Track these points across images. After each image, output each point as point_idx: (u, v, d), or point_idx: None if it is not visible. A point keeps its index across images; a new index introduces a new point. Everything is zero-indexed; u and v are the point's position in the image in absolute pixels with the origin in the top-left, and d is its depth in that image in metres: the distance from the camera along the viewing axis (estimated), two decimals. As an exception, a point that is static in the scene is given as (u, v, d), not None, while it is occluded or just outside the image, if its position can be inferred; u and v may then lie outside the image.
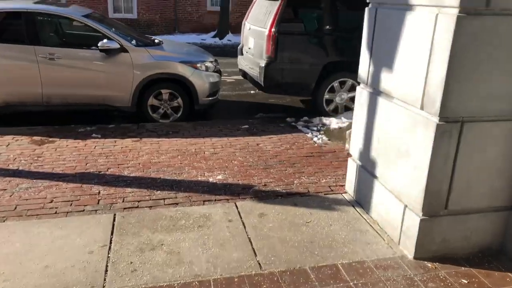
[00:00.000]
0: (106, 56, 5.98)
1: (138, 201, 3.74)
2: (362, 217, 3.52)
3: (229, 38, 17.29)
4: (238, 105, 7.83)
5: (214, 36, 17.38)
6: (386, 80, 3.21)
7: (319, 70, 6.50)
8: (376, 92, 3.39)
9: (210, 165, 4.58)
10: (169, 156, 4.83)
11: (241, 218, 3.46)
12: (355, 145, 3.77)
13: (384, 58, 3.22)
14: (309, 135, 5.71)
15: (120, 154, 4.86)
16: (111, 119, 6.45)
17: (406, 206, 3.03)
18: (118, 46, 5.97)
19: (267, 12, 6.67)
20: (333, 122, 6.29)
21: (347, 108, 6.84)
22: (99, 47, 5.87)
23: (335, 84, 6.67)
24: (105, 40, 5.89)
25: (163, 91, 6.25)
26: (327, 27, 6.52)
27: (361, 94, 3.61)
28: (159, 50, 6.39)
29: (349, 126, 6.04)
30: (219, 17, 17.74)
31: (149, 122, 6.17)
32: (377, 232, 3.31)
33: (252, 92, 8.64)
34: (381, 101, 3.30)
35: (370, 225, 3.40)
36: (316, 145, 5.32)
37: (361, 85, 3.65)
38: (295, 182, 4.17)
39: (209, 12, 19.28)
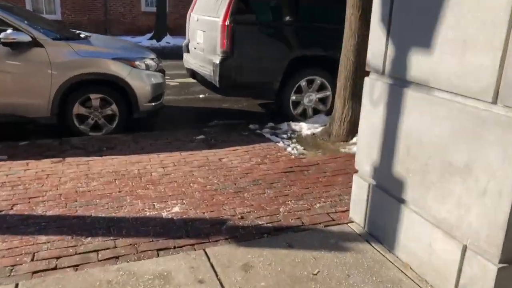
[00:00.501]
0: (13, 52, 4.55)
1: (57, 258, 2.47)
2: (386, 258, 2.52)
3: (168, 40, 15.94)
4: (187, 111, 6.64)
5: (150, 38, 15.94)
6: (420, 64, 2.24)
7: (284, 66, 5.51)
8: (400, 83, 2.42)
9: (161, 192, 3.38)
10: (103, 181, 3.57)
11: (217, 275, 2.32)
12: (365, 157, 2.77)
13: (415, 32, 2.26)
14: (281, 144, 4.68)
15: (33, 182, 3.52)
16: (24, 134, 5.00)
17: (466, 247, 2.06)
18: (29, 38, 4.57)
19: (219, -2, 5.57)
20: (304, 128, 5.32)
21: (316, 110, 5.91)
22: (2, 40, 4.44)
23: (303, 83, 5.71)
24: (9, 31, 4.47)
25: (92, 96, 4.92)
26: (293, 16, 5.55)
27: (374, 88, 2.62)
28: (85, 45, 5.06)
29: (322, 132, 5.11)
30: (155, 18, 16.33)
31: (76, 136, 4.82)
32: (414, 282, 2.32)
33: (201, 96, 7.48)
34: (411, 95, 2.32)
35: (402, 272, 2.41)
36: (292, 157, 4.29)
37: (372, 75, 2.67)
38: (281, 210, 3.10)
39: (144, 13, 17.78)
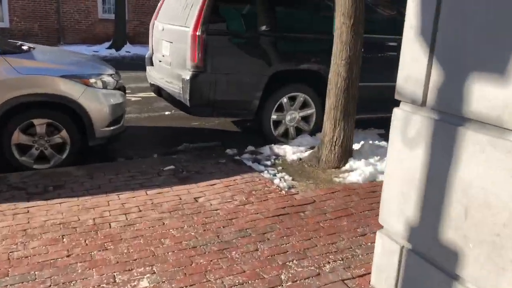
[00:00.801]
0: None
1: None
2: None
3: (127, 49, 14.94)
4: (152, 132, 5.84)
5: (109, 47, 14.88)
6: (487, 95, 1.62)
7: (264, 82, 4.85)
8: (452, 119, 1.79)
9: (123, 254, 2.61)
10: (46, 240, 2.75)
11: None
12: (395, 211, 2.13)
13: (478, 48, 1.64)
14: (266, 174, 3.99)
15: (-51, 245, 2.65)
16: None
17: None
18: (-48, 53, 3.69)
19: (188, 4, 4.85)
20: (289, 152, 4.67)
21: (298, 130, 5.27)
22: None
23: (284, 100, 5.06)
24: None
25: (36, 121, 4.06)
26: (274, 25, 4.90)
27: (409, 123, 1.99)
28: (26, 60, 4.18)
29: (310, 157, 4.48)
30: (114, 26, 15.31)
31: (16, 172, 3.94)
32: None
33: (167, 113, 6.69)
34: (472, 137, 1.70)
35: None
36: (283, 192, 3.60)
37: (406, 105, 2.03)
38: (282, 278, 2.39)
39: (101, 20, 16.66)
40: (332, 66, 4.24)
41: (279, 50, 4.91)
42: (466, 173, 1.74)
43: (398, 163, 2.08)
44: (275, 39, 4.89)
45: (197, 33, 4.48)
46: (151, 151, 4.84)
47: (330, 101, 4.29)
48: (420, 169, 1.94)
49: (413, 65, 1.93)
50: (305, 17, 5.12)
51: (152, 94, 6.61)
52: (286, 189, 3.67)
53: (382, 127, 5.94)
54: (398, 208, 2.10)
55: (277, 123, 5.14)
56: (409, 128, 1.98)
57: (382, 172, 4.12)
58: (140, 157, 4.56)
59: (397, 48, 5.62)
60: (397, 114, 2.06)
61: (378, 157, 4.39)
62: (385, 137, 5.51)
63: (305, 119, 5.27)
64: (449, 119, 1.80)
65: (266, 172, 4.07)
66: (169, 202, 3.34)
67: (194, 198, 3.44)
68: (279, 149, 4.74)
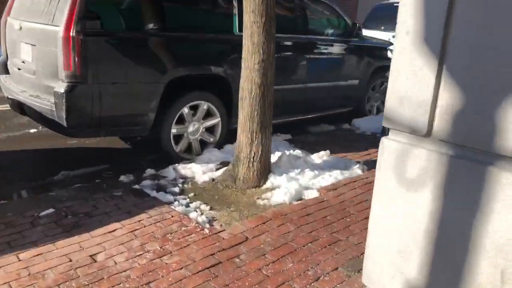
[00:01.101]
0: None
1: None
2: None
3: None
4: (15, 159, 4.58)
5: None
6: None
7: (161, 91, 4.06)
8: (474, 155, 1.34)
9: None
10: None
11: None
12: (388, 270, 1.64)
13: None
14: (178, 207, 3.25)
15: None
16: None
17: None
18: None
19: (54, -3, 3.80)
20: (198, 172, 3.99)
21: (203, 143, 4.61)
22: None
23: (185, 110, 4.33)
24: None
25: None
26: (170, 21, 4.13)
27: (407, 158, 1.50)
28: None
29: (225, 176, 3.88)
30: None
31: None
32: None
33: (32, 131, 5.42)
34: (509, 181, 1.27)
35: None
36: (205, 230, 2.92)
37: (401, 136, 1.54)
38: None
39: None
40: (243, 71, 3.68)
41: (175, 53, 4.16)
42: (500, 227, 1.31)
43: (391, 209, 1.59)
44: (169, 40, 4.13)
45: (71, 34, 3.49)
46: (17, 187, 3.72)
47: (244, 111, 3.72)
48: (427, 219, 1.48)
49: (412, 82, 1.44)
50: (201, 14, 4.47)
51: (9, 107, 5.29)
52: (208, 226, 3.00)
53: (288, 131, 5.61)
54: (393, 267, 1.62)
55: (178, 138, 4.40)
56: (407, 165, 1.50)
57: (307, 188, 3.72)
58: (2, 199, 3.43)
59: (295, 48, 5.40)
60: (388, 146, 1.56)
61: (299, 169, 3.98)
62: (295, 143, 5.21)
63: (210, 130, 4.62)
64: (471, 155, 1.35)
65: (176, 203, 3.34)
66: (55, 269, 2.42)
67: (90, 256, 2.56)
68: (186, 169, 4.02)
